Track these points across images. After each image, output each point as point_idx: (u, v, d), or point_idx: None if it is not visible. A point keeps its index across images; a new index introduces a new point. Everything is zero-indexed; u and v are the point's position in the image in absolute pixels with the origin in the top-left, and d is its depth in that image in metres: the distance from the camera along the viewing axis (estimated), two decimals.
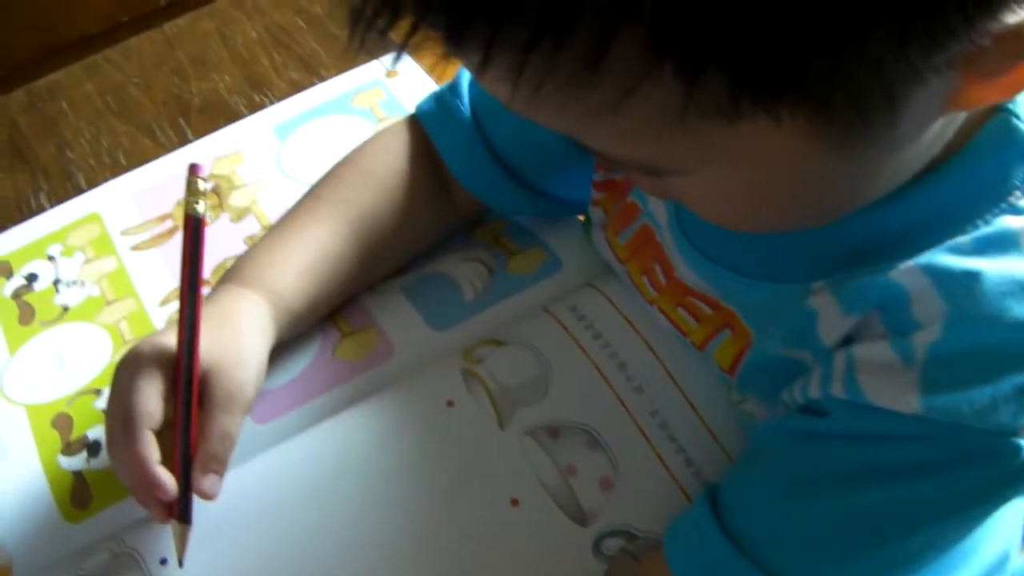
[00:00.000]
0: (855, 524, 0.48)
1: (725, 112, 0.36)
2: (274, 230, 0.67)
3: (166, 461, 0.56)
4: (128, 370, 0.57)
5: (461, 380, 0.63)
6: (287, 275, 0.64)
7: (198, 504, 0.57)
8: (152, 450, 0.55)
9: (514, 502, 0.58)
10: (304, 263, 0.64)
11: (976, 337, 0.45)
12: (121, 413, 0.56)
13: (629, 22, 0.33)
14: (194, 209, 0.58)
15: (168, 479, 0.55)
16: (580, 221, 0.72)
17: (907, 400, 0.45)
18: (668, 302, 0.60)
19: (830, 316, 0.49)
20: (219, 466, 0.57)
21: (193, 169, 0.58)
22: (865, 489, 0.48)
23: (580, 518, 0.58)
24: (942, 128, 0.44)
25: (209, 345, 0.57)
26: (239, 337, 0.60)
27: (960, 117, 0.45)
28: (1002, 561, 0.50)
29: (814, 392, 0.50)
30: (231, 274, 0.65)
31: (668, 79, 0.35)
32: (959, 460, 0.46)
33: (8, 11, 2.16)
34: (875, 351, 0.47)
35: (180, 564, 0.57)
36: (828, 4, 0.32)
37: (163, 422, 0.56)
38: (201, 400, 0.57)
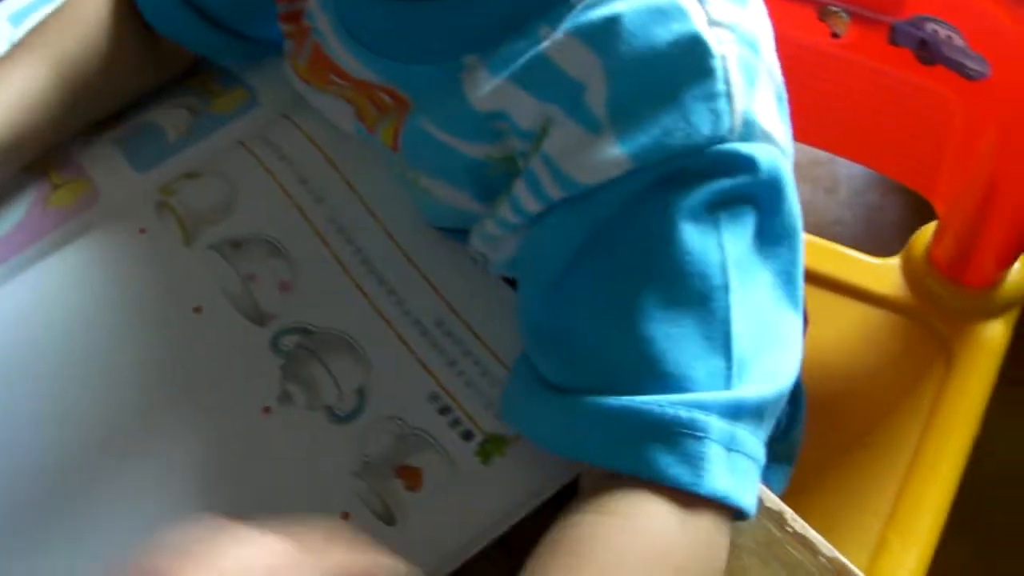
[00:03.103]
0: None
1: None
2: None
3: None
4: None
5: (153, 210, 0.66)
6: None
7: None
8: None
9: (197, 310, 0.62)
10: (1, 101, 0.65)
11: (640, 74, 0.47)
12: None
13: None
14: None
15: None
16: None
17: (614, 160, 0.47)
18: (361, 98, 0.62)
19: (479, 81, 0.52)
20: None
21: None
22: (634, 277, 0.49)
23: (259, 319, 0.61)
24: None
25: None
26: None
27: None
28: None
29: (532, 207, 0.51)
30: None
31: None
32: (689, 184, 0.47)
33: None
34: (561, 134, 0.49)
35: None
36: None
37: None
38: None
